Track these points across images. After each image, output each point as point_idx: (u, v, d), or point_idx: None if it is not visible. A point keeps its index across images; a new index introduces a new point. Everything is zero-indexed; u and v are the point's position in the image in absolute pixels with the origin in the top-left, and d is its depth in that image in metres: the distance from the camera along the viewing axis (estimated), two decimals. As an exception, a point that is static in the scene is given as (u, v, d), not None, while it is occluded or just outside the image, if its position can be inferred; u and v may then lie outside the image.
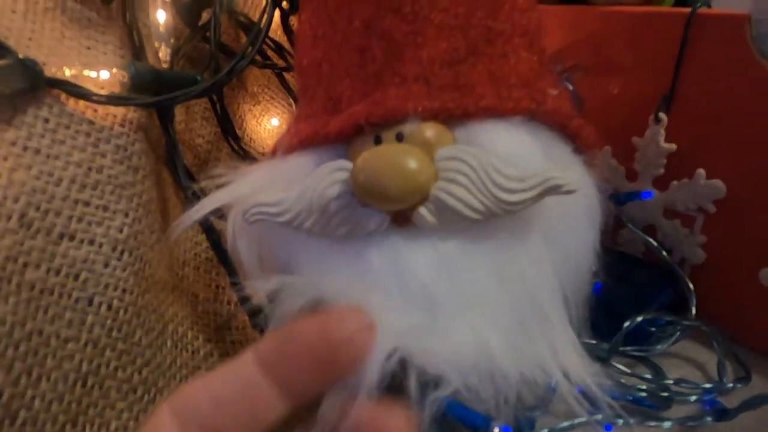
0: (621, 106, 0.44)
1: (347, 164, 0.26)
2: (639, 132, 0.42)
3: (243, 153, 0.38)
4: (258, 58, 0.43)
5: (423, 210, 0.25)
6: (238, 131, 0.42)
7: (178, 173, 0.30)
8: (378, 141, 0.26)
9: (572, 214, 0.28)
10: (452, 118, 0.26)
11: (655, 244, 0.42)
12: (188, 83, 0.32)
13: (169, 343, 0.30)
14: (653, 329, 0.39)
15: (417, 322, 0.25)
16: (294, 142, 0.28)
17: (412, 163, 0.24)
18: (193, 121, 0.38)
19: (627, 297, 0.41)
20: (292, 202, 0.27)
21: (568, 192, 0.24)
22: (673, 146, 0.40)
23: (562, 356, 0.26)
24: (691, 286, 0.40)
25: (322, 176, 0.26)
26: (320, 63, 0.29)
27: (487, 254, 0.26)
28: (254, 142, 0.43)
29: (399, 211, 0.25)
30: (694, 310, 0.39)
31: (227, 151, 0.39)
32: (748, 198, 0.38)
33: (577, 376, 0.26)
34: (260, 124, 0.46)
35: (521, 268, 0.26)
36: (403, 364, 0.24)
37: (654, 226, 0.44)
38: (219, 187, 0.29)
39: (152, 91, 0.31)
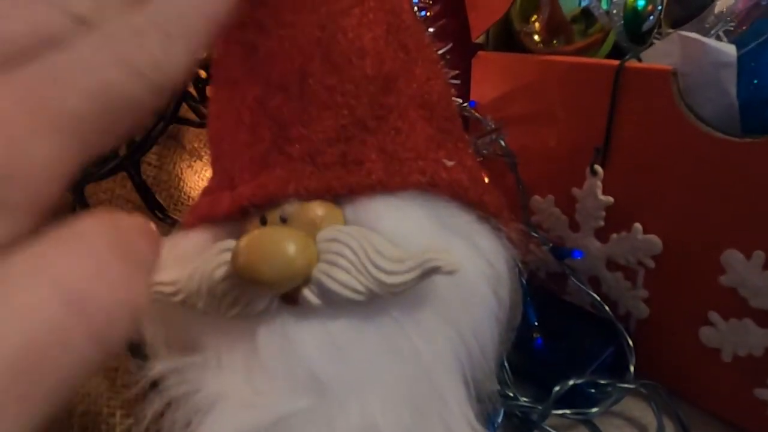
0: (560, 156, 0.43)
1: (233, 245, 0.25)
2: (578, 183, 0.41)
3: (168, 221, 0.38)
4: (195, 118, 0.44)
5: (306, 292, 0.25)
6: (174, 191, 0.42)
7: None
8: (264, 221, 0.26)
9: (470, 286, 0.27)
10: (341, 195, 0.26)
11: (597, 299, 0.41)
12: (100, 161, 0.32)
13: (75, 428, 0.29)
14: (593, 390, 0.38)
15: (302, 406, 0.24)
16: (193, 219, 0.28)
17: (289, 249, 0.24)
18: (122, 188, 0.39)
19: (569, 354, 0.40)
20: (184, 282, 0.26)
21: (449, 273, 0.24)
22: (611, 199, 0.40)
23: (457, 438, 0.25)
24: (631, 343, 0.39)
25: (210, 257, 0.26)
26: (221, 138, 0.29)
27: (378, 332, 0.26)
28: (193, 200, 0.43)
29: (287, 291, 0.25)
30: (632, 369, 0.38)
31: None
32: (684, 254, 0.37)
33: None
34: (202, 179, 0.47)
35: (415, 345, 0.26)
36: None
37: (598, 278, 0.43)
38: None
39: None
